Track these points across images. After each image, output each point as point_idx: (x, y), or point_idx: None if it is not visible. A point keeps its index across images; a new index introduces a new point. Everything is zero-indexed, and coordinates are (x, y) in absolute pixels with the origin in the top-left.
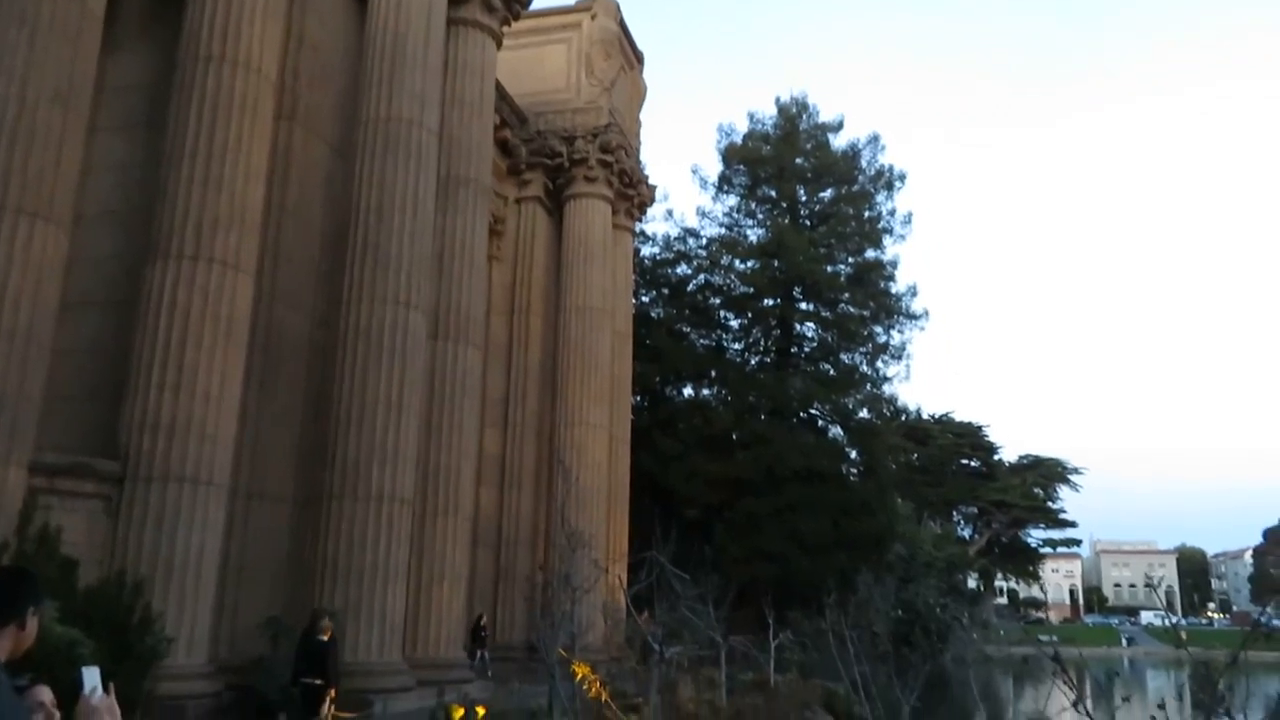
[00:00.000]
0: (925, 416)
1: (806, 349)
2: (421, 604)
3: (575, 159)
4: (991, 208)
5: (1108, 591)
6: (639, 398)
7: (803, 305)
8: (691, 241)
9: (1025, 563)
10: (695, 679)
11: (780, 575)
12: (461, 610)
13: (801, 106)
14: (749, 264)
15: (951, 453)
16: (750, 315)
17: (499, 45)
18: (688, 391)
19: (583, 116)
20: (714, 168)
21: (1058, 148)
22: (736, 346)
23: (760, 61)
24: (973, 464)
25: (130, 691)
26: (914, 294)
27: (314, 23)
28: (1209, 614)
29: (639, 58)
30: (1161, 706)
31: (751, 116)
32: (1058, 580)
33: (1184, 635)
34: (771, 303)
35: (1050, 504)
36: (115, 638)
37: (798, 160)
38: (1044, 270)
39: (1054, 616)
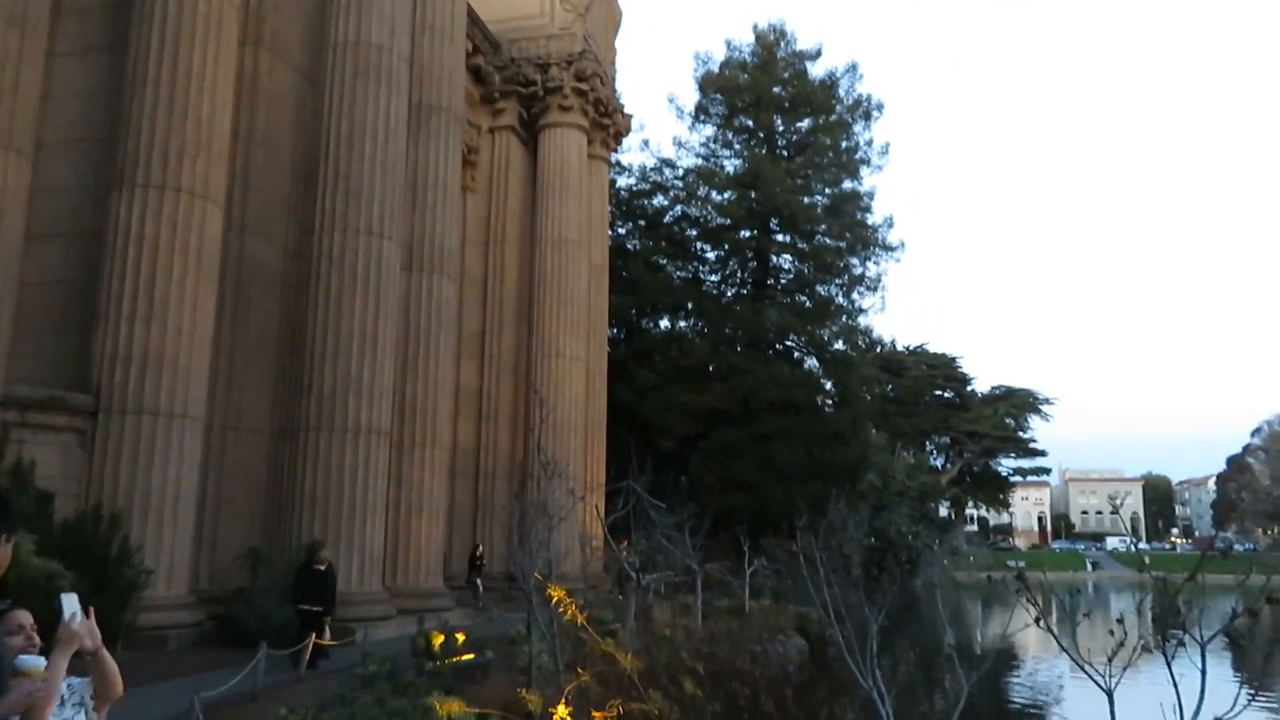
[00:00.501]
0: (900, 348)
1: (783, 281)
2: (400, 535)
3: (549, 87)
4: (967, 140)
5: (1075, 519)
6: (615, 330)
7: (779, 237)
8: (668, 172)
9: (996, 491)
10: (671, 605)
11: (755, 504)
12: (440, 541)
13: (779, 34)
14: (726, 195)
15: (925, 384)
16: (727, 247)
17: None
18: (664, 323)
19: (557, 43)
20: (691, 97)
21: (1038, 80)
22: (713, 278)
23: None
24: (946, 395)
25: (110, 623)
26: (890, 225)
27: None
28: (1172, 539)
29: None
30: (1120, 621)
31: (729, 45)
32: (1027, 508)
33: (1147, 559)
34: (748, 234)
35: (1021, 434)
36: (94, 570)
37: (775, 89)
38: (1018, 203)
39: (1023, 543)
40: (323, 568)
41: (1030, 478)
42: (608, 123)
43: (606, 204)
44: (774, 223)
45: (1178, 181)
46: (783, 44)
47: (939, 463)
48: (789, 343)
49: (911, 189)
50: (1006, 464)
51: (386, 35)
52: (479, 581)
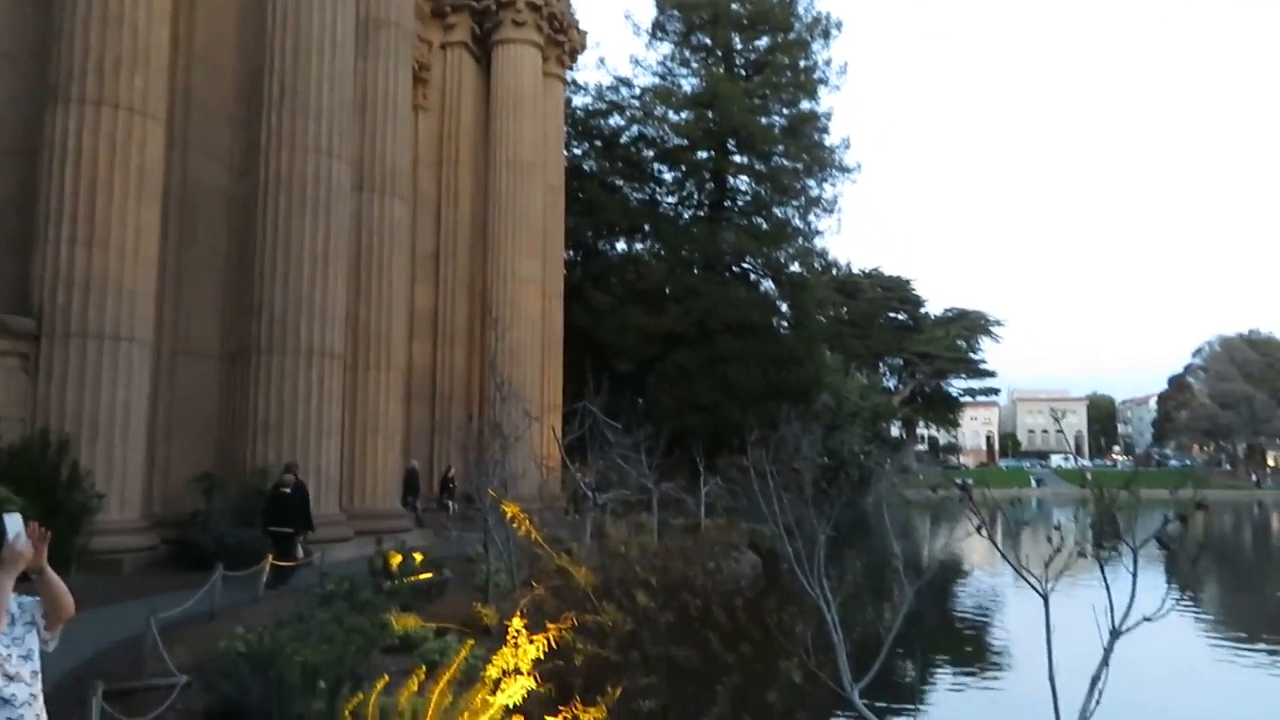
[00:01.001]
0: (855, 271)
1: (739, 202)
2: (357, 457)
3: (502, 2)
4: (915, 61)
5: (1022, 437)
6: (572, 252)
7: (736, 158)
8: (624, 91)
9: (946, 411)
10: (628, 524)
11: (711, 425)
12: (397, 463)
13: None
14: (683, 115)
15: (880, 306)
16: (684, 168)
17: None
18: (621, 246)
19: None
20: (648, 14)
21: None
22: (670, 200)
23: None
24: (900, 317)
25: (62, 547)
26: (847, 147)
27: None
28: (1114, 456)
29: None
30: (1057, 528)
31: None
32: (976, 427)
33: (1089, 475)
34: (705, 155)
35: (972, 355)
36: (43, 495)
37: (733, 5)
38: (970, 125)
39: (971, 461)
40: (288, 489)
41: (979, 398)
42: (563, 39)
43: (562, 124)
44: (731, 144)
45: (1126, 107)
46: None
47: (891, 384)
48: (745, 265)
49: (865, 110)
50: (957, 384)
51: None
52: (451, 503)
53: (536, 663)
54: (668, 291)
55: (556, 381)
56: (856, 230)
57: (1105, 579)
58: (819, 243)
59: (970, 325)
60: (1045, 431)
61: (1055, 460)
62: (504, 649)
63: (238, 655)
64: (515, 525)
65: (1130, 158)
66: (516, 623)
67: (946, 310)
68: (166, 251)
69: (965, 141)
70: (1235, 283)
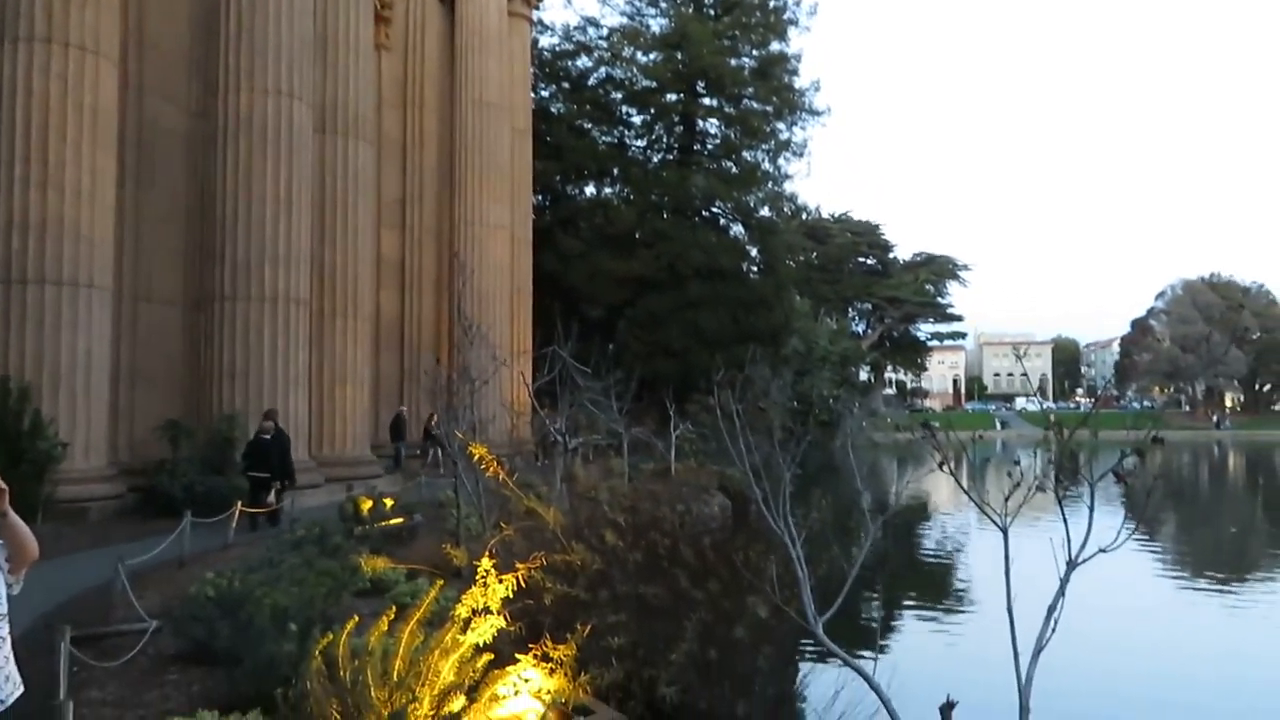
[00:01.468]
0: (825, 215)
1: (709, 146)
2: (325, 405)
3: None
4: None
5: (988, 381)
6: (540, 196)
7: (705, 100)
8: (592, 31)
9: (914, 355)
10: (599, 468)
11: (681, 370)
12: (366, 410)
13: None
14: (651, 56)
15: (849, 251)
16: (653, 111)
17: None
18: (589, 190)
19: None
20: None
21: None
22: (639, 143)
23: None
24: (869, 261)
25: (27, 496)
26: (817, 89)
27: None
28: (1077, 399)
29: None
30: (1016, 463)
31: None
32: (943, 371)
33: (1053, 418)
34: (674, 98)
35: (940, 299)
36: (6, 444)
37: None
38: (938, 69)
39: (937, 405)
40: (267, 436)
41: (946, 342)
42: None
43: (529, 65)
44: (700, 86)
45: (1095, 53)
46: None
47: (860, 328)
48: (715, 209)
49: (834, 53)
50: (924, 329)
51: None
52: (434, 450)
53: (506, 602)
54: (637, 236)
55: (526, 327)
56: (826, 175)
57: (1063, 513)
58: (789, 187)
59: (938, 270)
60: (1011, 375)
61: (1020, 403)
62: (473, 589)
63: (207, 600)
64: (483, 468)
65: (1100, 102)
66: (485, 563)
67: (915, 255)
68: (124, 196)
69: (934, 86)
70: (1201, 227)
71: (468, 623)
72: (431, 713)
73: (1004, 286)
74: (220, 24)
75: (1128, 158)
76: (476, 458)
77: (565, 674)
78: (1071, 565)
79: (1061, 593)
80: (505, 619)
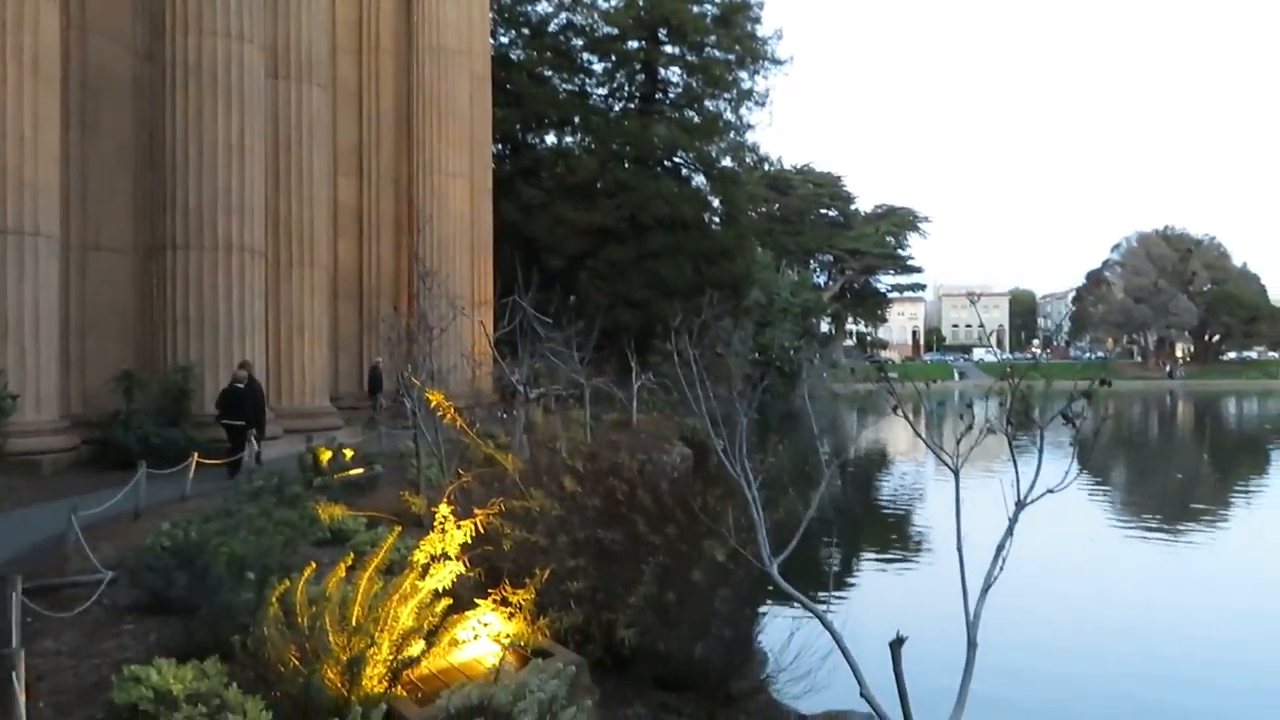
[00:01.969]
0: (787, 167)
1: (671, 95)
2: (283, 356)
3: None
4: None
5: (947, 332)
6: (500, 145)
7: (667, 48)
8: None
9: (874, 307)
10: (560, 419)
11: (642, 320)
12: (325, 361)
13: None
14: (613, 2)
15: (811, 202)
16: (614, 58)
17: None
18: (550, 139)
19: None
20: None
21: None
22: (600, 92)
23: None
24: (831, 213)
25: None
26: (779, 38)
27: None
28: (1033, 350)
29: None
30: (969, 406)
31: None
32: (902, 323)
33: (1009, 369)
34: (636, 45)
35: (900, 251)
36: None
37: None
38: (900, 21)
39: (897, 356)
40: (241, 385)
41: (906, 294)
42: None
43: (487, 9)
44: (662, 33)
45: (1060, 5)
46: None
47: (822, 280)
48: (677, 159)
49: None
50: (885, 280)
51: None
52: (389, 401)
53: (465, 548)
54: (599, 186)
55: (487, 278)
56: (789, 126)
57: (1013, 455)
58: (751, 137)
59: (899, 221)
60: (969, 327)
61: (978, 354)
62: (432, 535)
63: (163, 550)
64: (441, 415)
65: (1061, 55)
66: (444, 509)
67: (876, 207)
68: (70, 142)
69: (895, 37)
70: (1161, 181)
71: (426, 568)
72: (390, 657)
73: (964, 239)
74: None
75: (1088, 110)
76: (434, 404)
77: (524, 618)
78: (1020, 505)
79: (1010, 532)
80: (464, 565)
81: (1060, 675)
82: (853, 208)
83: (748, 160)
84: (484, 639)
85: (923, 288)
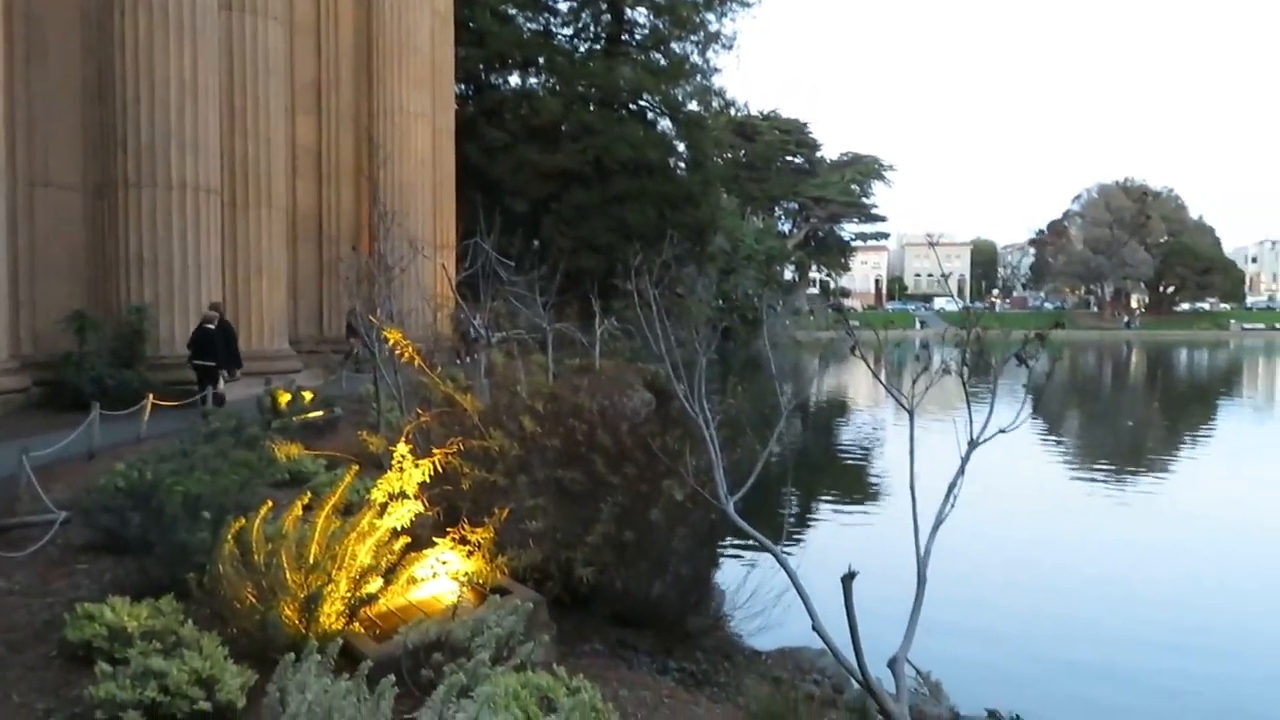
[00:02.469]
0: (753, 113)
1: (637, 36)
2: (240, 298)
3: None
4: None
5: (909, 281)
6: (463, 86)
7: None
8: None
9: (838, 255)
10: (523, 364)
11: (606, 265)
12: (283, 303)
13: None
14: None
15: (777, 149)
16: None
17: None
18: (514, 80)
19: None
20: None
21: None
22: (565, 31)
23: None
24: (796, 160)
25: None
26: None
27: None
28: (993, 299)
29: None
30: (925, 346)
31: None
32: (866, 271)
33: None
34: None
35: (864, 199)
36: None
37: None
38: None
39: (859, 304)
40: (211, 326)
41: (870, 242)
42: None
43: None
44: None
45: None
46: None
47: (786, 227)
48: (643, 102)
49: None
50: (849, 229)
51: None
52: (354, 343)
53: (424, 487)
54: (563, 129)
55: (449, 220)
56: (755, 72)
57: (967, 396)
58: (717, 81)
59: (864, 170)
60: (931, 276)
61: (939, 303)
62: (390, 474)
63: (118, 490)
64: (399, 354)
65: (1029, 5)
66: (402, 448)
67: (842, 155)
68: (13, 74)
69: None
70: (1124, 132)
71: (384, 507)
72: (348, 594)
73: (928, 189)
74: None
75: (1055, 60)
76: (391, 343)
77: (483, 556)
78: (972, 445)
79: (961, 471)
80: (423, 504)
81: (1001, 605)
82: (818, 155)
83: (714, 105)
84: (442, 577)
85: (886, 236)
